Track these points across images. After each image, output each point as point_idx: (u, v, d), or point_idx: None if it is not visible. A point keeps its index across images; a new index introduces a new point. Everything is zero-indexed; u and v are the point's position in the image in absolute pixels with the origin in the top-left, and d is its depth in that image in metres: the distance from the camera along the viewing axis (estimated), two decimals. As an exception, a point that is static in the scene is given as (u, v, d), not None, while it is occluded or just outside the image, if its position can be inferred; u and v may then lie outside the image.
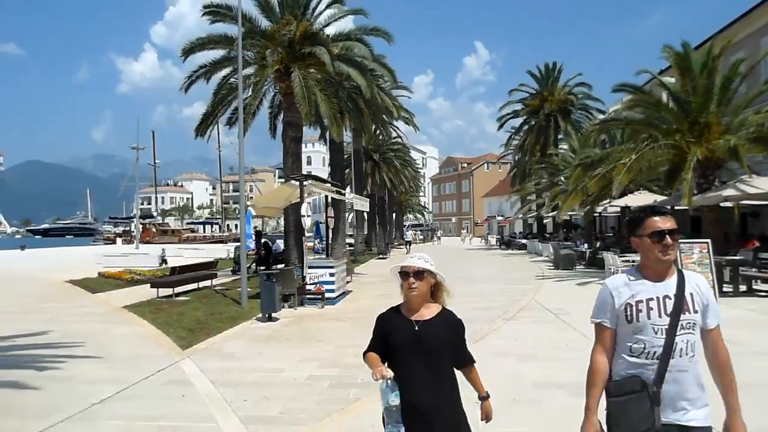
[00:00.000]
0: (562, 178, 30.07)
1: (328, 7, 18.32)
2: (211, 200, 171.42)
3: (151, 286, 14.04)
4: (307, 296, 12.77)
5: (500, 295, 14.39)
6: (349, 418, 5.31)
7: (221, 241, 61.35)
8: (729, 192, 15.32)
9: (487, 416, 2.87)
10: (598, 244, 25.68)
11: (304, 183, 12.94)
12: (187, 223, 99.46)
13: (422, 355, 2.62)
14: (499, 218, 69.13)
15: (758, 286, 13.86)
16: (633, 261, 16.97)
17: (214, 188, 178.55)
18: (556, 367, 6.93)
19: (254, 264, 21.19)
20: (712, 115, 16.74)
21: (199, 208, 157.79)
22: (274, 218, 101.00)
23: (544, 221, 43.42)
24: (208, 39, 18.05)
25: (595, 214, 29.70)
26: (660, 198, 20.80)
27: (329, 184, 15.50)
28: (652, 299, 2.44)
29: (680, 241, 13.49)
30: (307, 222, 12.94)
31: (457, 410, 2.68)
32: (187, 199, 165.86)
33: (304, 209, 12.54)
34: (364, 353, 2.85)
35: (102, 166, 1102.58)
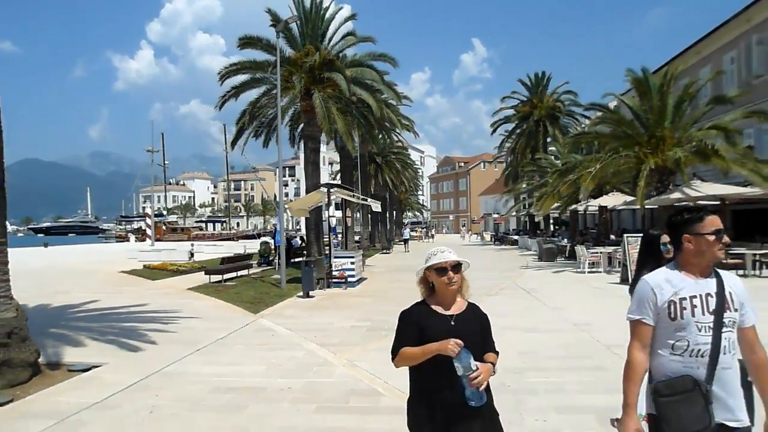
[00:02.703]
0: (549, 180, 33.33)
1: (342, 38, 21.52)
2: (213, 198, 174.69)
3: (205, 273, 17.31)
4: (333, 280, 16.03)
5: (487, 280, 17.62)
6: (383, 343, 8.49)
7: (230, 239, 64.46)
8: (676, 195, 18.61)
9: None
10: (577, 240, 28.92)
11: (330, 190, 16.21)
12: (195, 222, 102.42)
13: None
14: (495, 216, 72.56)
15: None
16: (599, 253, 20.29)
17: (215, 187, 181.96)
18: (518, 321, 10.22)
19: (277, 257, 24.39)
20: (666, 130, 19.95)
21: (201, 206, 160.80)
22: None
23: (536, 219, 46.76)
24: (240, 65, 21.25)
25: (580, 212, 33.11)
26: (629, 198, 24.11)
27: (346, 190, 18.71)
28: (695, 296, 2.46)
29: (626, 235, 16.83)
30: (333, 221, 16.23)
31: (492, 403, 2.71)
32: (189, 197, 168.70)
33: (332, 210, 15.84)
34: (396, 352, 2.74)
35: (99, 164, 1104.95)
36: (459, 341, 2.50)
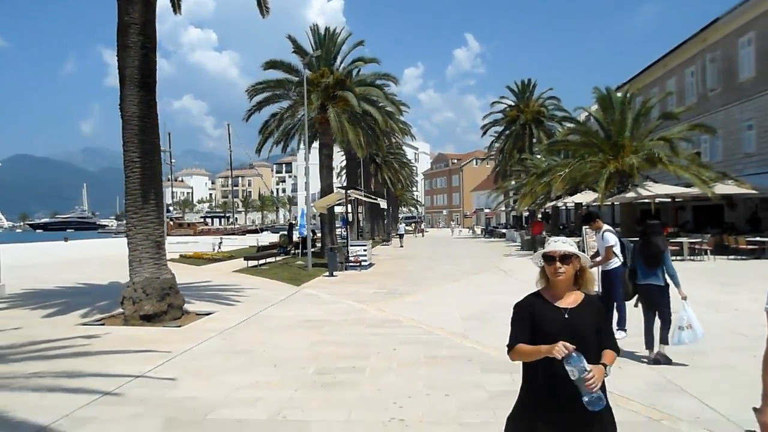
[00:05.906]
0: (528, 180, 37.27)
1: (353, 62, 25.26)
2: (210, 194, 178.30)
3: (244, 259, 21.04)
4: (349, 264, 19.83)
5: (474, 265, 21.52)
6: (399, 302, 12.35)
7: (235, 233, 68.05)
8: (631, 194, 22.49)
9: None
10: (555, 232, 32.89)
11: (348, 192, 20.02)
12: (200, 217, 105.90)
13: (574, 344, 2.46)
14: (486, 210, 76.60)
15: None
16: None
17: (213, 183, 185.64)
18: (494, 290, 14.09)
19: (295, 247, 28.15)
20: (626, 140, 23.79)
21: (200, 202, 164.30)
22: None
23: (523, 214, 50.68)
24: (266, 84, 24.93)
25: (561, 208, 37.09)
26: (598, 195, 28.01)
27: (358, 191, 22.52)
28: None
29: (585, 227, 20.66)
30: (349, 216, 20.02)
31: (606, 399, 2.57)
32: (188, 193, 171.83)
33: (349, 208, 19.62)
34: (511, 349, 2.71)
35: (92, 159, 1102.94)
36: (569, 345, 2.43)
